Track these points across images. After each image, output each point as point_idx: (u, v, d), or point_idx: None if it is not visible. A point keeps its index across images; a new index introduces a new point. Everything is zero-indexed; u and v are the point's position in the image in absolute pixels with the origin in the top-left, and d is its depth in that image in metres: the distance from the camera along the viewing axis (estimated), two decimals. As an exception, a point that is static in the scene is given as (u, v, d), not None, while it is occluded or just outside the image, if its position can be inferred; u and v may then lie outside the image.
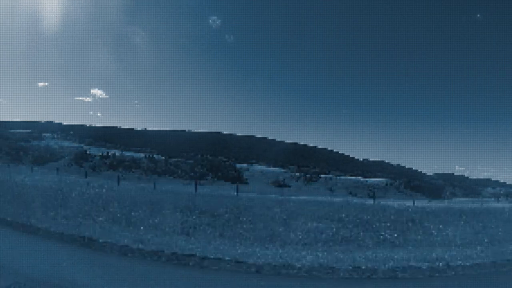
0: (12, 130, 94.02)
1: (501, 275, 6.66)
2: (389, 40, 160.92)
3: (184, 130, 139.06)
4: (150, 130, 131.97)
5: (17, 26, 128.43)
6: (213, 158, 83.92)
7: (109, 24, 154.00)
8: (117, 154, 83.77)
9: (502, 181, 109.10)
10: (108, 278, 5.70)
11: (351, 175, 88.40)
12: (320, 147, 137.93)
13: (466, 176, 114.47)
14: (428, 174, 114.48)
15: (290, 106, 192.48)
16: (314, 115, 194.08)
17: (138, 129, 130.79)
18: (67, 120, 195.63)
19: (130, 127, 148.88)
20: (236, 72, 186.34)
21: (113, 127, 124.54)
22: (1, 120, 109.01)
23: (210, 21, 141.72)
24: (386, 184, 72.48)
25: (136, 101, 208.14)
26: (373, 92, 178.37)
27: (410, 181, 74.25)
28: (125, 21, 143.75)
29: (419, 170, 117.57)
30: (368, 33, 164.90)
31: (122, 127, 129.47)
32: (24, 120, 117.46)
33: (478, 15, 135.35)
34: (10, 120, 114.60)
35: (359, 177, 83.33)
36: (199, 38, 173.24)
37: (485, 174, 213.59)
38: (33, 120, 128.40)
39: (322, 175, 78.81)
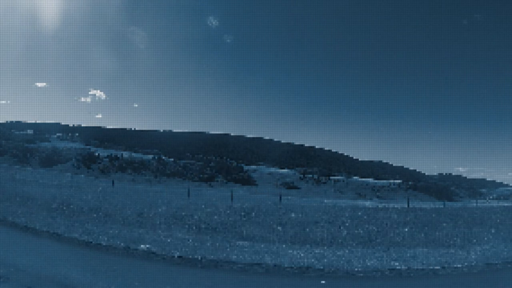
0: (16, 131, 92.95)
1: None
2: (389, 41, 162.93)
3: (187, 131, 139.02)
4: (152, 131, 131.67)
5: (15, 26, 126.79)
6: (221, 159, 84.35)
7: (108, 25, 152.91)
8: (125, 155, 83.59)
9: (498, 181, 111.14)
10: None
11: (357, 176, 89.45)
12: (317, 147, 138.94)
13: (464, 176, 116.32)
14: (427, 174, 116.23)
15: (289, 106, 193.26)
16: (313, 115, 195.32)
17: (141, 130, 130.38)
18: (66, 120, 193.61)
19: (130, 127, 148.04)
20: (235, 72, 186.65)
21: (116, 128, 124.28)
22: (2, 121, 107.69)
23: (208, 21, 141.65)
24: (392, 185, 73.72)
25: (136, 102, 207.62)
26: (373, 93, 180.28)
27: (416, 183, 75.65)
28: (123, 21, 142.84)
29: (417, 170, 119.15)
30: (368, 34, 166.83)
31: (125, 128, 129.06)
32: (25, 120, 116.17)
33: (478, 17, 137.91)
34: (11, 121, 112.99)
35: (367, 179, 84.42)
36: (197, 39, 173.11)
37: (482, 174, 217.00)
38: (33, 120, 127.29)
39: (329, 177, 79.75)
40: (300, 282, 6.02)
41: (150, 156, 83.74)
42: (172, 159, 78.75)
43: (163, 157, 79.58)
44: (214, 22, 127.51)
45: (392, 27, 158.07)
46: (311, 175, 79.04)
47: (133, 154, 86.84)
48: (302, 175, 75.99)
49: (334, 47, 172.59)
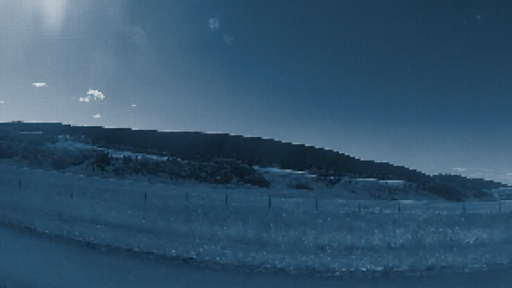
0: (18, 132, 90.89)
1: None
2: (389, 41, 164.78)
3: (186, 131, 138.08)
4: (152, 131, 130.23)
5: (14, 26, 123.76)
6: (234, 161, 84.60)
7: (107, 25, 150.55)
8: (132, 156, 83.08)
9: (497, 181, 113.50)
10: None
11: (362, 177, 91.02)
12: (317, 147, 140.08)
13: (464, 176, 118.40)
14: (427, 174, 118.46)
15: (289, 106, 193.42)
16: (313, 115, 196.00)
17: (142, 130, 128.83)
18: (65, 120, 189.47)
19: (129, 127, 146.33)
20: (235, 72, 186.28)
21: (118, 128, 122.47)
22: (5, 121, 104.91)
23: (210, 23, 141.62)
24: (405, 186, 75.56)
25: (134, 102, 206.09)
26: (373, 93, 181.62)
27: (424, 183, 77.64)
28: (123, 22, 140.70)
29: (417, 170, 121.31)
30: (368, 34, 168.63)
31: (128, 128, 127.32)
32: (24, 120, 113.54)
33: (478, 17, 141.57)
34: (12, 121, 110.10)
35: (372, 179, 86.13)
36: (197, 39, 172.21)
37: (480, 174, 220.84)
38: (32, 121, 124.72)
39: (339, 177, 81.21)
40: None
41: (162, 158, 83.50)
42: (186, 161, 78.62)
43: (178, 159, 79.28)
44: (215, 23, 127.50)
45: (392, 27, 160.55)
46: (322, 176, 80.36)
47: (140, 155, 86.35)
48: (315, 176, 77.15)
49: (334, 47, 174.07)
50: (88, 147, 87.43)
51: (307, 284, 5.16)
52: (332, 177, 75.56)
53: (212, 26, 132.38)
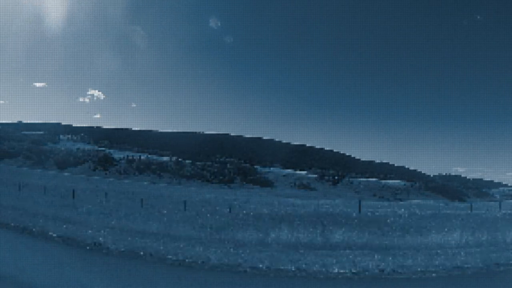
0: (19, 132, 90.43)
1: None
2: (390, 41, 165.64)
3: (191, 132, 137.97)
4: (153, 131, 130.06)
5: (14, 26, 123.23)
6: (236, 161, 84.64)
7: (108, 25, 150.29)
8: (135, 156, 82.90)
9: (497, 181, 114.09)
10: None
11: (368, 177, 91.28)
12: (318, 147, 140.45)
13: (464, 176, 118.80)
14: (427, 174, 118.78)
15: (289, 106, 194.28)
16: (313, 115, 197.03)
17: (142, 130, 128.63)
18: (65, 121, 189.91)
19: (128, 127, 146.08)
20: (235, 72, 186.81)
21: (121, 128, 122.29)
22: (5, 122, 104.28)
23: (211, 23, 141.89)
24: (406, 186, 75.98)
25: (134, 102, 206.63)
26: (373, 93, 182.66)
27: (427, 183, 78.10)
28: (124, 22, 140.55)
29: (418, 170, 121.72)
30: (369, 34, 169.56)
31: (128, 128, 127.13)
32: (26, 120, 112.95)
33: (478, 17, 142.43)
34: (19, 121, 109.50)
35: (374, 179, 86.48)
36: (198, 39, 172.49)
37: (480, 174, 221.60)
38: (33, 121, 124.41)
39: (341, 177, 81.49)
40: None
41: (163, 158, 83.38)
42: (190, 161, 78.52)
43: (180, 159, 79.20)
44: (216, 23, 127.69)
45: (392, 27, 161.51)
46: (323, 176, 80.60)
47: (143, 156, 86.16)
48: (317, 176, 77.42)
49: (334, 47, 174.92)
50: (90, 147, 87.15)
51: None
52: (334, 177, 75.72)
53: (214, 26, 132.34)
